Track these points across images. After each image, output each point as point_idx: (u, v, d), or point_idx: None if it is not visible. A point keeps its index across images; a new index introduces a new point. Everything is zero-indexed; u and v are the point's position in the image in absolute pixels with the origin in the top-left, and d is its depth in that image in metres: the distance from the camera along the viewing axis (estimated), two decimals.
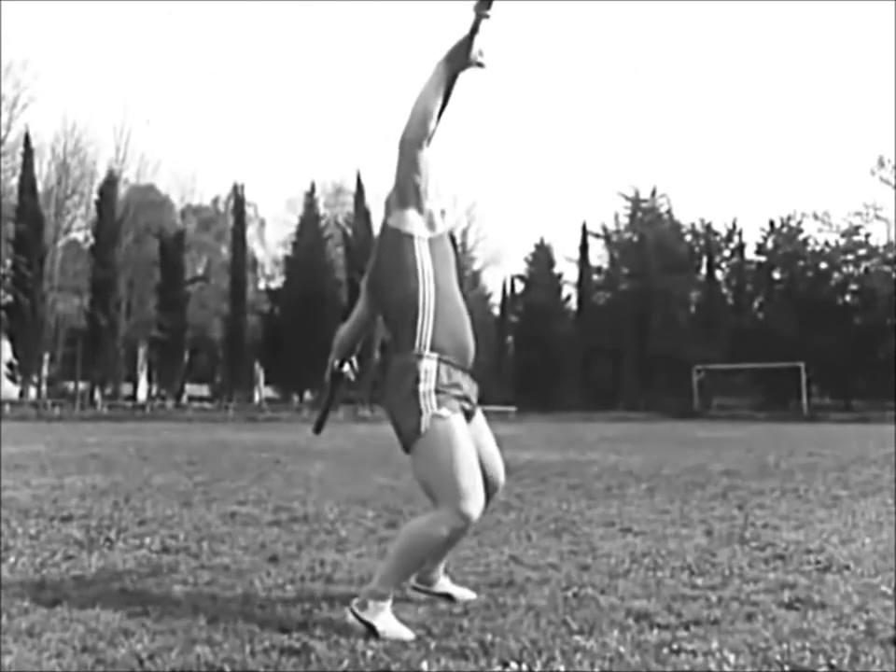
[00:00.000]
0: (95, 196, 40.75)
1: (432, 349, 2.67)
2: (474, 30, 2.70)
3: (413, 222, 2.79)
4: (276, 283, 50.14)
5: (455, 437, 2.60)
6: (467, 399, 2.76)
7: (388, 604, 2.62)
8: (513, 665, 2.25)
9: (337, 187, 50.12)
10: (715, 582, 3.27)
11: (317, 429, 3.29)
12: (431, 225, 2.83)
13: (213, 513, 5.21)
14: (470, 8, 2.69)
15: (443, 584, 3.02)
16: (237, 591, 3.15)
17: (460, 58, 2.72)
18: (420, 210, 2.81)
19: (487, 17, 2.69)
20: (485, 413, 3.07)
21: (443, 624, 2.64)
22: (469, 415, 2.80)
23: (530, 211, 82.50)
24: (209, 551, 3.94)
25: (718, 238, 51.23)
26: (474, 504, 2.57)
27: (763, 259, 49.78)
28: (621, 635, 2.53)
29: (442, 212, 3.05)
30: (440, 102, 2.75)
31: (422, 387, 2.63)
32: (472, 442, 2.68)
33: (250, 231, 49.10)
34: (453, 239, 3.04)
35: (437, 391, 2.63)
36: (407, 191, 2.78)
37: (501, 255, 57.52)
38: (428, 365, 2.65)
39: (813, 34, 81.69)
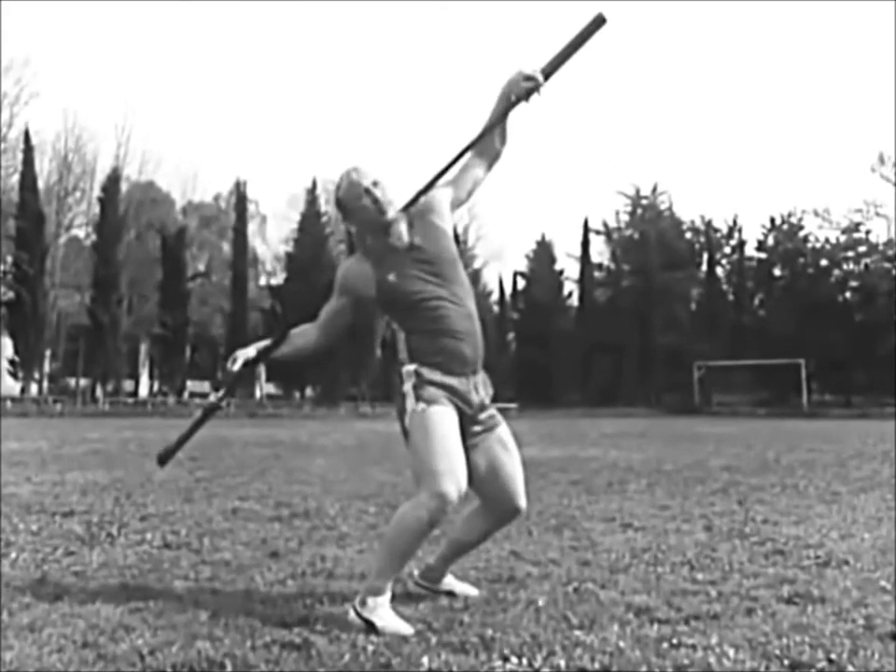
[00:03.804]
0: (96, 193, 40.68)
1: (412, 358, 2.79)
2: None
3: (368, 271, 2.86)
4: (277, 279, 50.04)
5: (430, 424, 2.68)
6: (458, 395, 2.77)
7: (387, 599, 2.63)
8: (514, 659, 2.26)
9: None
10: (715, 577, 3.28)
11: (164, 460, 3.09)
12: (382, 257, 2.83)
13: (214, 509, 5.22)
14: None
15: (446, 582, 3.04)
16: (238, 586, 3.16)
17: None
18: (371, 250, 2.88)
19: None
20: None
21: (444, 619, 2.65)
22: (478, 424, 2.84)
23: (531, 208, 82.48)
24: (210, 546, 3.96)
25: (718, 235, 51.11)
26: (449, 484, 2.60)
27: (763, 255, 49.64)
28: (621, 629, 2.54)
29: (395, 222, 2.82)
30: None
31: (404, 388, 2.77)
32: (454, 430, 2.71)
33: (252, 228, 49.06)
34: (457, 236, 2.97)
35: (415, 387, 2.74)
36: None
37: (503, 251, 57.42)
38: (408, 369, 2.79)
39: (813, 31, 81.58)
